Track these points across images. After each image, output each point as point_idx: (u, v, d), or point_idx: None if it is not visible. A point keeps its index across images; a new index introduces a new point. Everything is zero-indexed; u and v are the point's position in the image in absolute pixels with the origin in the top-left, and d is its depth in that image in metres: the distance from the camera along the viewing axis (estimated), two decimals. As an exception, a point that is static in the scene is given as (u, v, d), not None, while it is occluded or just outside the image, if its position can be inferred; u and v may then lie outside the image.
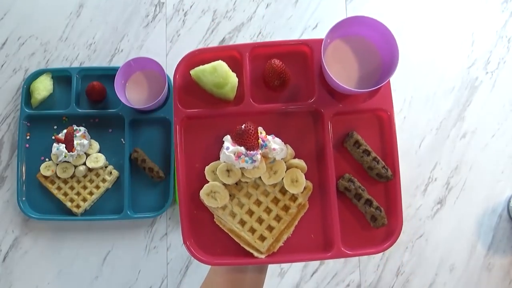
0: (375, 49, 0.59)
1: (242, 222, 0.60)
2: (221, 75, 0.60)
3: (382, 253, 0.88)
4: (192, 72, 0.61)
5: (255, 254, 0.59)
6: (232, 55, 0.62)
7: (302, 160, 0.60)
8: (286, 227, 0.60)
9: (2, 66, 0.96)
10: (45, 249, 0.91)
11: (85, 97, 0.93)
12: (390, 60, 0.57)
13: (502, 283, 0.88)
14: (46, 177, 0.90)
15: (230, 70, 0.61)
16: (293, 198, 0.60)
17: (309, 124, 0.61)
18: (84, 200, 0.90)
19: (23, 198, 0.90)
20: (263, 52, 0.62)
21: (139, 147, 0.90)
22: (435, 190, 0.90)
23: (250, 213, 0.60)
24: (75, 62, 0.96)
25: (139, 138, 0.92)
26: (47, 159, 0.91)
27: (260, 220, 0.60)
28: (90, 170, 0.90)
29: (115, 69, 0.87)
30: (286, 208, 0.60)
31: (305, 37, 0.95)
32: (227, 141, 0.58)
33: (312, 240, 0.60)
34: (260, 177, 0.59)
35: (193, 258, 0.59)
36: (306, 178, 0.59)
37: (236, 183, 0.60)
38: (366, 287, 0.89)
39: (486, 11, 0.96)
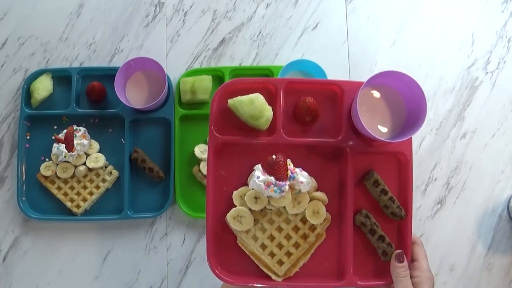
0: (402, 101, 0.64)
1: (263, 246, 0.64)
2: (257, 108, 0.63)
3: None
4: (230, 101, 0.64)
5: (273, 277, 0.64)
6: (267, 87, 0.66)
7: (324, 193, 0.65)
8: (303, 254, 0.65)
9: (2, 66, 0.96)
10: (45, 249, 0.91)
11: (85, 97, 0.93)
12: (416, 114, 0.61)
13: (502, 283, 0.88)
14: (46, 177, 0.90)
15: (266, 103, 0.64)
16: (312, 227, 0.65)
17: (333, 160, 0.66)
18: (84, 200, 0.90)
19: (23, 198, 0.90)
20: (296, 87, 0.66)
21: (139, 147, 0.90)
22: (435, 190, 0.90)
23: (271, 238, 0.65)
24: (75, 62, 0.96)
25: (139, 138, 0.92)
26: (47, 159, 0.91)
27: (280, 246, 0.64)
28: (90, 170, 0.90)
29: (115, 69, 0.87)
30: (305, 237, 0.65)
31: (305, 37, 0.96)
32: (258, 170, 0.62)
33: (326, 268, 0.65)
34: (284, 206, 0.63)
35: (216, 277, 0.63)
36: (326, 210, 0.64)
37: (261, 210, 0.64)
38: (366, 287, 0.89)
39: (486, 11, 0.96)
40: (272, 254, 0.64)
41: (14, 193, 0.91)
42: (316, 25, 0.96)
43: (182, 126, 0.91)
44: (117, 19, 0.98)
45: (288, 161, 0.62)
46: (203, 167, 0.88)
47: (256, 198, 0.63)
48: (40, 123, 0.92)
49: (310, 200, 0.64)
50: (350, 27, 0.96)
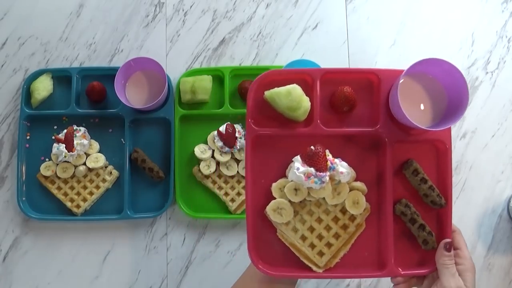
0: (442, 89, 0.63)
1: (304, 238, 0.64)
2: (295, 99, 0.62)
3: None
4: (267, 93, 0.64)
5: (314, 268, 0.63)
6: (303, 78, 0.65)
7: (363, 183, 0.64)
8: (343, 245, 0.65)
9: (2, 66, 0.96)
10: (45, 249, 0.91)
11: (85, 97, 0.93)
12: (457, 102, 0.60)
13: (502, 283, 0.88)
14: (46, 177, 0.90)
15: (304, 94, 0.63)
16: (352, 218, 0.64)
17: (371, 149, 0.66)
18: (84, 200, 0.90)
19: (23, 198, 0.90)
20: (332, 77, 0.65)
21: (139, 147, 0.90)
22: (435, 190, 0.90)
23: (311, 229, 0.64)
24: (75, 62, 0.96)
25: (139, 138, 0.92)
26: (47, 159, 0.91)
27: (320, 237, 0.64)
28: (90, 170, 0.90)
29: (115, 69, 0.87)
30: (345, 227, 0.64)
31: (305, 37, 0.95)
32: (297, 161, 0.62)
33: (367, 258, 0.65)
34: (323, 197, 0.63)
35: (259, 271, 0.63)
36: (365, 200, 0.63)
37: (300, 201, 0.63)
38: (366, 287, 0.89)
39: (486, 11, 0.96)
40: (312, 246, 0.64)
41: (14, 193, 0.91)
42: (316, 25, 0.96)
43: (182, 126, 0.91)
44: (117, 19, 0.98)
45: (327, 151, 0.62)
46: (203, 167, 0.88)
47: (296, 189, 0.62)
48: (40, 123, 0.92)
49: (350, 191, 0.63)
50: (350, 27, 0.96)
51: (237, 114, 0.91)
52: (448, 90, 0.63)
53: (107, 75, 0.91)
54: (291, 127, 0.65)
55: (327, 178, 0.61)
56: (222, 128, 0.87)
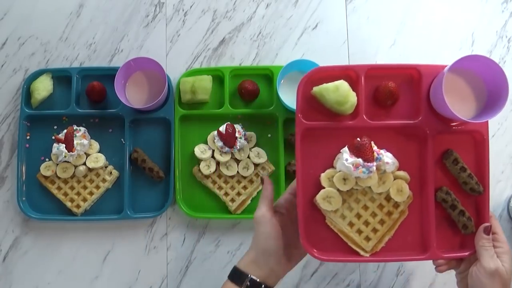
0: (482, 83, 0.68)
1: (351, 224, 0.68)
2: (342, 94, 0.67)
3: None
4: (315, 89, 0.68)
5: (361, 252, 0.68)
6: (348, 74, 0.70)
7: (406, 172, 0.69)
8: (388, 230, 0.69)
9: (2, 66, 0.96)
10: (45, 249, 0.91)
11: (85, 97, 0.93)
12: (497, 95, 0.65)
13: (502, 283, 0.88)
14: (46, 177, 0.90)
15: (351, 89, 0.67)
16: (396, 205, 0.69)
17: (413, 140, 0.70)
18: (84, 200, 0.90)
19: (23, 198, 0.90)
20: (376, 73, 0.70)
21: (139, 147, 0.90)
22: (435, 190, 0.91)
23: (358, 216, 0.69)
24: (75, 62, 0.96)
25: (139, 138, 0.92)
26: (47, 159, 0.91)
27: (366, 223, 0.69)
28: (90, 170, 0.90)
29: (115, 69, 0.87)
30: (389, 214, 0.69)
31: (305, 37, 0.96)
32: (346, 152, 0.66)
33: (410, 242, 0.69)
34: (369, 186, 0.67)
35: (308, 254, 0.67)
36: (408, 188, 0.68)
37: (348, 190, 0.68)
38: (366, 287, 0.89)
39: (486, 11, 0.96)
40: (359, 231, 0.68)
41: (14, 193, 0.91)
42: (316, 25, 0.96)
43: (182, 126, 0.91)
44: (117, 19, 0.98)
45: (372, 143, 0.66)
46: (203, 167, 0.88)
47: (344, 179, 0.67)
48: (40, 123, 0.92)
49: (394, 179, 0.68)
50: (350, 27, 0.96)
51: (237, 114, 0.91)
52: (487, 84, 0.67)
53: (107, 75, 0.91)
54: (338, 121, 0.69)
55: (374, 168, 0.65)
56: (222, 128, 0.87)
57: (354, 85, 0.69)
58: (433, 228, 0.68)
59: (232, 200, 0.89)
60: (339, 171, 0.67)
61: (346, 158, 0.65)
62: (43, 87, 0.91)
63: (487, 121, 0.68)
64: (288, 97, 0.88)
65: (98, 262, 0.90)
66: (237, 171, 0.89)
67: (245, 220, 0.90)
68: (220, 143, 0.87)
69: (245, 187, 0.89)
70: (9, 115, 0.95)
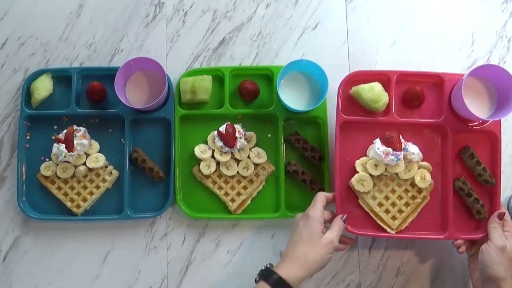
0: (494, 88, 0.82)
1: (380, 205, 0.83)
2: (376, 93, 0.82)
3: (382, 253, 0.88)
4: (354, 88, 0.83)
5: (388, 230, 0.82)
6: (381, 78, 0.85)
7: (428, 163, 0.83)
8: (412, 212, 0.83)
9: (2, 66, 0.96)
10: (45, 249, 0.91)
11: (85, 97, 0.93)
12: (506, 98, 0.79)
13: (502, 283, 0.88)
14: (46, 177, 0.90)
15: (384, 90, 0.83)
16: (419, 190, 0.83)
17: (436, 136, 0.85)
18: (84, 200, 0.90)
19: (23, 198, 0.90)
20: (404, 78, 0.85)
21: (139, 147, 0.90)
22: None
23: (387, 198, 0.83)
24: (75, 62, 0.96)
25: (139, 138, 0.92)
26: (47, 159, 0.91)
27: (393, 204, 0.82)
28: (90, 170, 0.90)
29: (115, 69, 0.87)
30: (413, 198, 0.83)
31: (305, 37, 0.96)
32: (377, 142, 0.80)
33: (430, 224, 0.83)
34: (397, 173, 0.81)
35: (347, 231, 0.81)
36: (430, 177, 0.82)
37: (378, 175, 0.82)
38: (366, 287, 0.89)
39: (486, 11, 0.96)
40: (387, 211, 0.82)
41: (14, 193, 0.91)
42: (316, 25, 0.96)
43: (182, 126, 0.91)
44: (117, 19, 0.98)
45: (400, 136, 0.79)
46: (203, 167, 0.88)
47: (376, 165, 0.81)
48: (40, 123, 0.92)
49: (418, 169, 0.82)
50: (350, 27, 0.96)
51: (237, 114, 0.91)
52: (498, 88, 0.81)
53: (107, 75, 0.91)
54: (371, 116, 0.84)
55: (402, 156, 0.78)
56: (222, 128, 0.87)
57: (386, 87, 0.83)
58: (451, 212, 0.80)
59: (232, 200, 0.89)
60: (371, 158, 0.81)
61: (378, 147, 0.78)
62: (43, 87, 0.91)
63: (499, 122, 0.81)
64: (288, 97, 0.88)
65: (98, 262, 0.90)
66: (237, 171, 0.89)
67: (245, 220, 0.90)
68: (220, 143, 0.87)
69: (245, 187, 0.89)
70: (9, 115, 0.95)
